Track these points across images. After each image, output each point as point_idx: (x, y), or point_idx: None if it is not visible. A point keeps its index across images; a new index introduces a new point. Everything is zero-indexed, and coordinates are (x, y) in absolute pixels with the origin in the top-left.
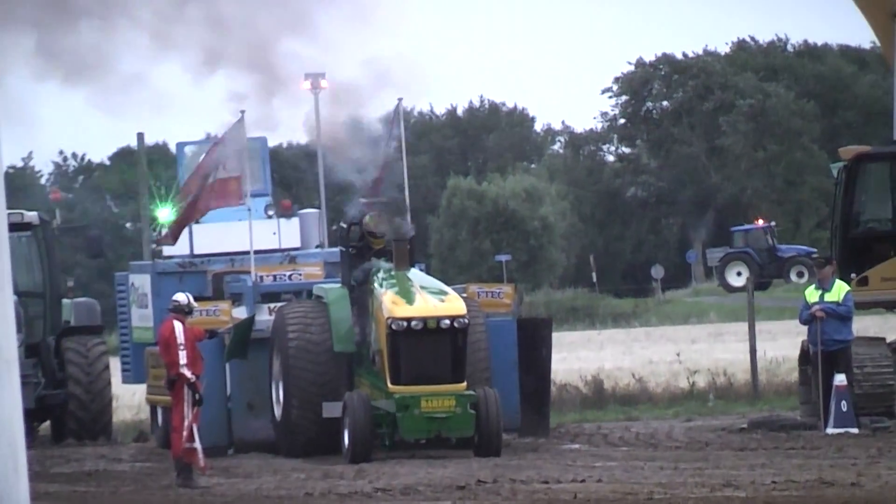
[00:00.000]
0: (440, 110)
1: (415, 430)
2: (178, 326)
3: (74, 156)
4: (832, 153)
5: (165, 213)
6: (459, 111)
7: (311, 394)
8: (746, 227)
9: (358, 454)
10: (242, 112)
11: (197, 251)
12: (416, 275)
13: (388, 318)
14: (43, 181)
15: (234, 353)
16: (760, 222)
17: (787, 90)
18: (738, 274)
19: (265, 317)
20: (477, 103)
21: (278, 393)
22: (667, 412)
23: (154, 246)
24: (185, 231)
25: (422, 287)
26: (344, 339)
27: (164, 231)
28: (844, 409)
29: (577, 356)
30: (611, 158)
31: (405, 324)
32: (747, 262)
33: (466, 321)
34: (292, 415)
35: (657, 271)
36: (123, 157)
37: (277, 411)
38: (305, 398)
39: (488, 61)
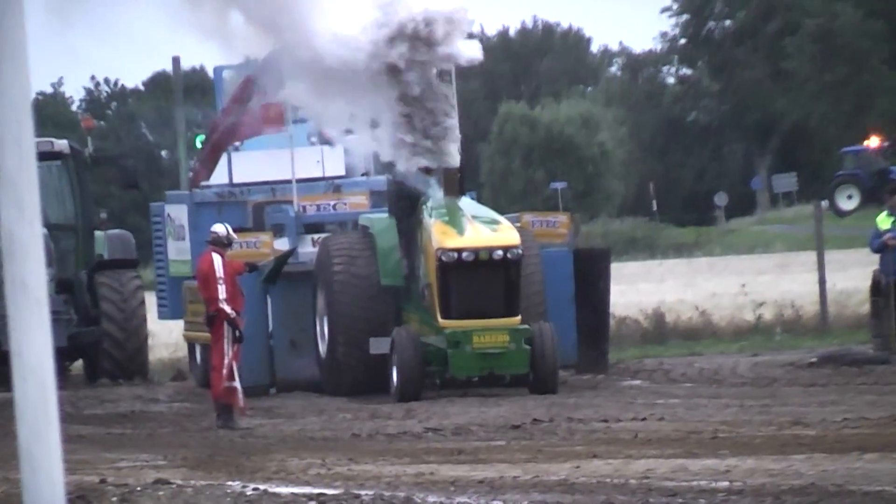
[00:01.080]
0: (491, 32)
1: (466, 367)
2: (218, 259)
3: (107, 81)
4: None
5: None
6: (511, 32)
7: (358, 330)
8: (857, 147)
9: (407, 393)
10: None
11: (236, 180)
12: (467, 204)
13: (437, 249)
14: (74, 108)
15: (267, 280)
16: (874, 142)
17: (856, 9)
18: (849, 197)
19: (308, 249)
20: (530, 24)
21: (323, 329)
22: (731, 347)
23: (190, 183)
24: (224, 159)
25: (473, 216)
26: (391, 272)
27: (197, 166)
28: None
29: (636, 289)
30: (671, 81)
31: (456, 255)
32: (858, 184)
33: (520, 252)
34: (338, 352)
35: (721, 198)
36: (159, 82)
37: (322, 348)
38: (351, 335)
39: None
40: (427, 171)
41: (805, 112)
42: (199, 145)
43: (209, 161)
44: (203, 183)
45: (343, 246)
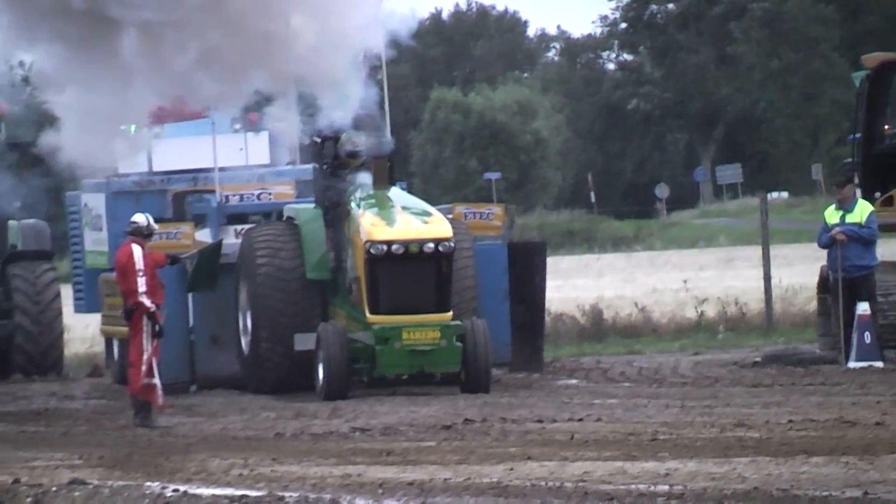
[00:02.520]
0: (423, 14)
1: (395, 365)
2: (137, 251)
3: (22, 65)
4: (854, 61)
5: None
6: (444, 15)
7: (282, 325)
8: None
9: (333, 391)
10: None
11: (156, 168)
12: (397, 194)
13: (366, 241)
14: None
15: (199, 284)
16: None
17: None
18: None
19: (231, 240)
20: (464, 6)
21: (245, 324)
22: (673, 345)
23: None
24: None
25: (403, 208)
26: (318, 265)
27: None
28: (868, 341)
29: (573, 284)
30: (611, 67)
31: (385, 247)
32: None
33: (452, 245)
34: (261, 348)
35: (662, 191)
36: None
37: (244, 344)
38: (275, 330)
39: None
40: (353, 155)
41: (751, 100)
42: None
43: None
44: (121, 171)
45: (267, 238)
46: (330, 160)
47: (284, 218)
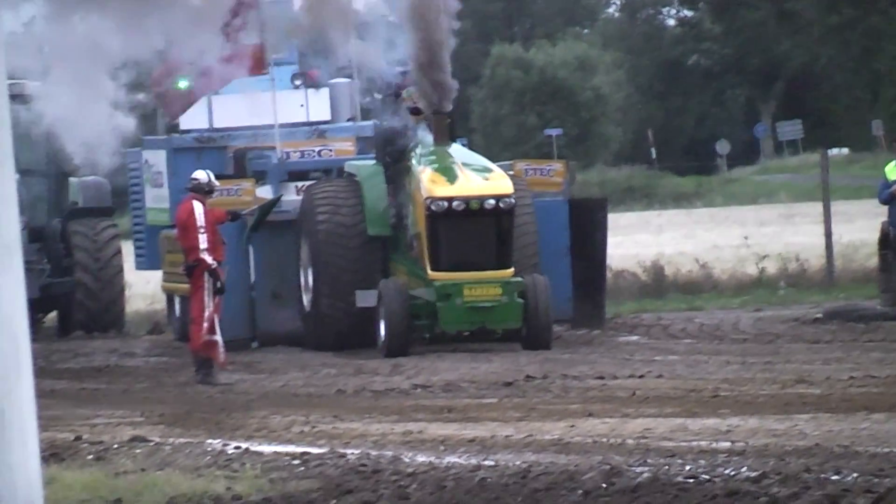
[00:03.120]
0: None
1: (457, 321)
2: (198, 207)
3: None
4: None
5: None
6: None
7: (343, 282)
8: None
9: (394, 347)
10: None
11: (217, 125)
12: (457, 151)
13: (426, 198)
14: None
15: (254, 228)
16: None
17: None
18: None
19: (292, 197)
20: None
21: (307, 281)
22: (733, 301)
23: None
24: (203, 102)
25: (464, 164)
26: (379, 222)
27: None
28: None
29: (634, 240)
30: (671, 23)
31: (446, 204)
32: None
33: (513, 201)
34: (322, 305)
35: (722, 147)
36: None
37: (306, 301)
38: (337, 287)
39: None
40: (416, 111)
41: (811, 56)
42: (178, 86)
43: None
44: (182, 127)
45: (328, 194)
46: (392, 115)
47: (345, 174)
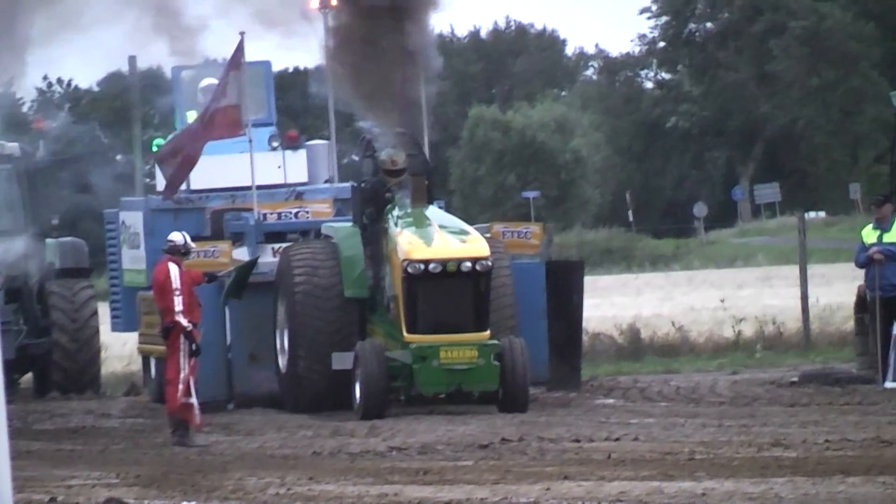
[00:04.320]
0: (462, 32)
1: (433, 383)
2: (174, 269)
3: (60, 81)
4: (893, 80)
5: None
6: (483, 33)
7: (320, 343)
8: None
9: (371, 409)
10: (242, 34)
11: (194, 186)
12: (434, 213)
13: (404, 260)
14: (25, 109)
15: (231, 294)
16: None
17: (844, 11)
18: None
19: (269, 258)
20: (502, 24)
21: (283, 342)
22: (710, 364)
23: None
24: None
25: (441, 226)
26: (355, 284)
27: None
28: None
29: (611, 302)
30: (649, 85)
31: (423, 266)
32: None
33: (490, 264)
34: (299, 367)
35: (700, 209)
36: (114, 82)
37: (282, 362)
38: (313, 348)
39: None
40: (392, 173)
41: (791, 117)
42: (154, 149)
43: (184, 170)
44: (159, 189)
45: (305, 256)
46: (369, 178)
47: (322, 236)
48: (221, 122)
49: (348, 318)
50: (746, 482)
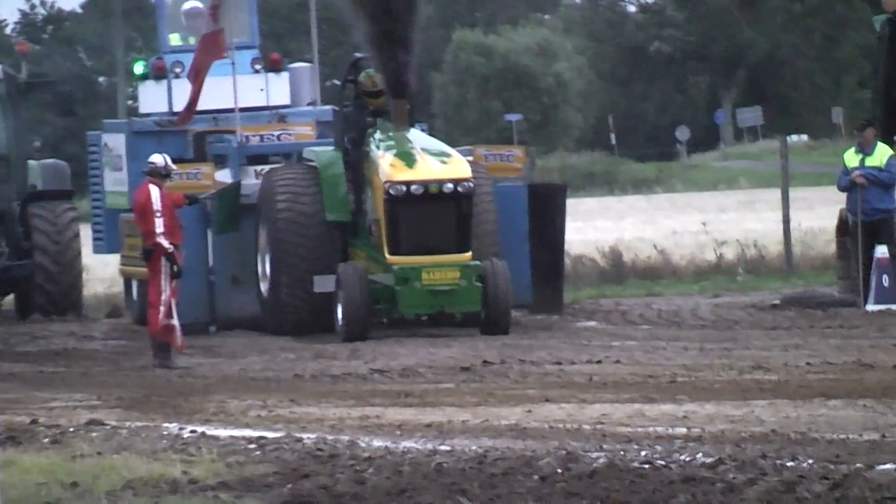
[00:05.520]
0: None
1: (415, 305)
2: (154, 191)
3: (43, 3)
4: (875, 4)
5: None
6: None
7: (302, 270)
8: None
9: (353, 332)
10: None
11: (176, 108)
12: (416, 136)
13: (385, 182)
14: (8, 31)
15: (225, 227)
16: None
17: None
18: None
19: (251, 181)
20: None
21: (265, 267)
22: (692, 287)
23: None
24: (164, 86)
25: (423, 149)
26: (337, 207)
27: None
28: (886, 284)
29: (594, 226)
30: (633, 10)
31: (404, 188)
32: None
33: (472, 185)
34: (281, 292)
35: (682, 133)
36: (97, 5)
37: (264, 287)
38: (295, 274)
39: None
40: (373, 95)
41: (773, 44)
42: (136, 71)
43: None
44: (141, 110)
45: (287, 182)
46: (351, 101)
47: (304, 160)
48: (206, 46)
49: (330, 242)
50: (728, 405)
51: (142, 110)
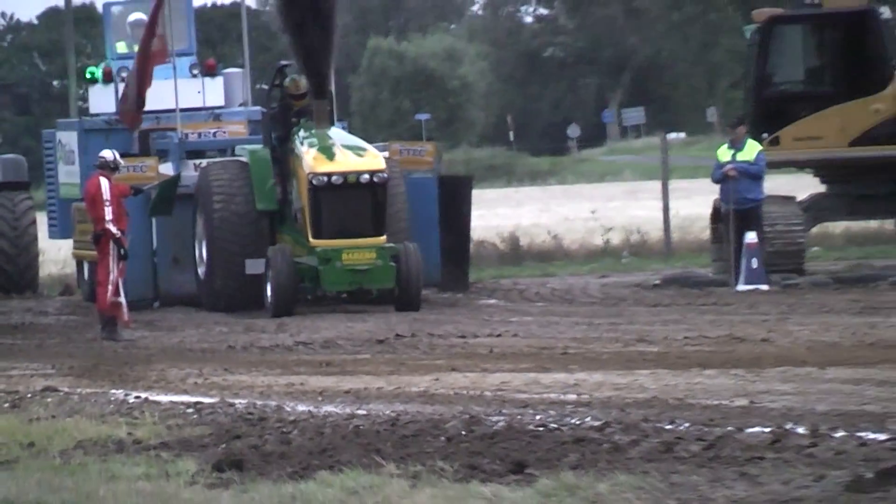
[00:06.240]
0: None
1: (337, 283)
2: (104, 183)
3: (3, 15)
4: (746, 15)
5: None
6: None
7: (235, 255)
8: None
9: (280, 308)
10: None
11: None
12: (336, 133)
13: (309, 173)
14: None
15: (159, 210)
16: None
17: None
18: None
19: (191, 173)
20: None
21: (202, 252)
22: (582, 269)
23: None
24: (111, 89)
25: (342, 144)
26: (266, 198)
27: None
28: (755, 266)
29: (495, 213)
30: (529, 20)
31: (326, 179)
32: None
33: (386, 176)
34: (216, 276)
35: (574, 130)
36: (52, 16)
37: (201, 271)
38: (229, 261)
39: None
40: (297, 97)
41: (655, 49)
42: (88, 76)
43: (140, 102)
44: (91, 111)
45: (222, 182)
46: (277, 102)
47: (236, 158)
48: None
49: (260, 231)
50: (614, 374)
51: (92, 110)
